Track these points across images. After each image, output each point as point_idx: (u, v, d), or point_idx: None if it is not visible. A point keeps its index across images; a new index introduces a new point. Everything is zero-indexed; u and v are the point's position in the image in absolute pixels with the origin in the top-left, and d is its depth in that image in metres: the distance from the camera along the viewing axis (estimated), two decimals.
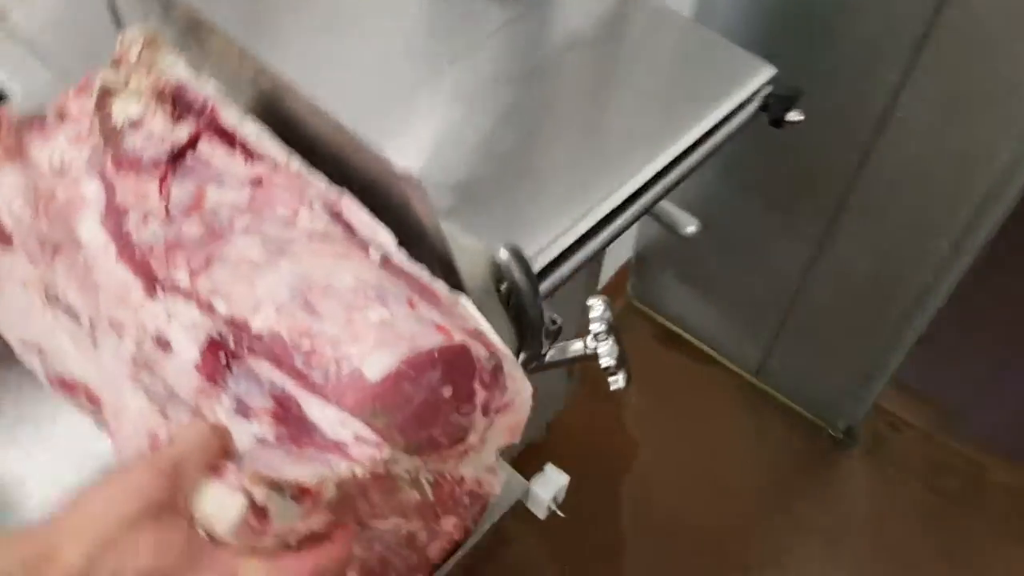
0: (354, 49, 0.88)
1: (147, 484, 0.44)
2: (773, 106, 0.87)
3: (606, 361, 0.73)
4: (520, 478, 0.69)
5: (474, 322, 0.55)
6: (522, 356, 0.71)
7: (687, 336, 1.93)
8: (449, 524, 0.61)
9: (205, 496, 0.46)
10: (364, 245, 0.56)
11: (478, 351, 0.54)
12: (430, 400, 0.51)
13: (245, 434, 0.49)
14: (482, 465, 0.60)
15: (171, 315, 0.52)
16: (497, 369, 0.56)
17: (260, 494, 0.45)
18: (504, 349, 0.56)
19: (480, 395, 0.55)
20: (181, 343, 0.51)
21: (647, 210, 0.83)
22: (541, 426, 1.64)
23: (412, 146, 0.80)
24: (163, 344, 0.51)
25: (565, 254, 0.76)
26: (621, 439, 1.80)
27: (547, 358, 0.74)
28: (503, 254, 0.65)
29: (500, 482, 0.63)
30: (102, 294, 0.53)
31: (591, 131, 0.84)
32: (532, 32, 0.95)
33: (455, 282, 0.57)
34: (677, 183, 0.84)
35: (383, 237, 0.55)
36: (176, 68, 0.57)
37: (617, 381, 0.74)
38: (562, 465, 0.84)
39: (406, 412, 0.50)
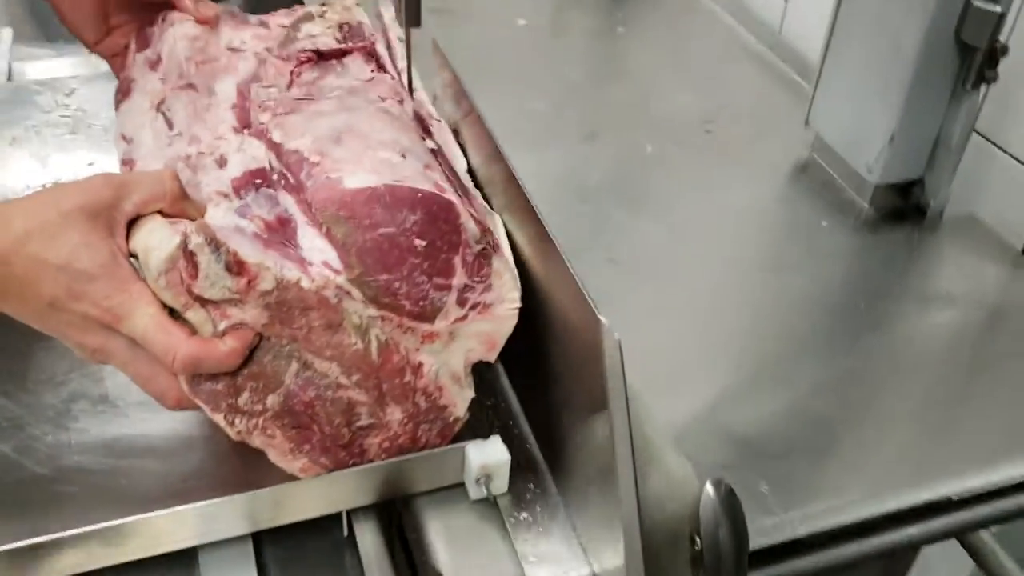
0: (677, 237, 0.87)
1: (94, 188, 0.52)
2: None
3: None
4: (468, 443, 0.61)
5: (492, 223, 0.60)
6: None
7: None
8: (395, 417, 0.58)
9: (147, 229, 0.53)
10: (425, 135, 0.64)
11: (468, 224, 0.55)
12: (397, 239, 0.53)
13: (229, 219, 0.54)
14: (447, 368, 0.58)
15: (242, 148, 0.60)
16: (484, 256, 0.56)
17: (196, 241, 0.50)
18: (505, 252, 0.58)
19: (459, 275, 0.56)
20: (235, 165, 0.59)
21: (960, 532, 0.64)
22: None
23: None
24: (221, 162, 0.59)
25: (814, 543, 0.63)
26: None
27: None
28: (708, 492, 0.50)
29: (465, 402, 0.60)
30: (203, 124, 0.63)
31: (925, 405, 0.73)
32: (876, 268, 0.85)
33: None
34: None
35: (458, 159, 0.67)
36: (362, 16, 0.74)
37: None
38: None
39: (369, 236, 0.53)
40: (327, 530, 0.62)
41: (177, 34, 0.69)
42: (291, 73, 0.67)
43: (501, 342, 0.59)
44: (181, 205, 0.55)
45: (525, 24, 1.18)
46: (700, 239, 0.86)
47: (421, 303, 0.55)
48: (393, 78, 0.69)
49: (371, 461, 0.59)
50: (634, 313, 0.77)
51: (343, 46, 0.70)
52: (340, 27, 0.72)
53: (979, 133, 0.90)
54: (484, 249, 0.56)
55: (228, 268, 0.51)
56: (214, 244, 0.50)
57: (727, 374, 0.73)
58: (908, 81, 0.81)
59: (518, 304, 0.58)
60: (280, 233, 0.54)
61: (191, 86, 0.67)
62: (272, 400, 0.55)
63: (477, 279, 0.56)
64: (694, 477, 0.53)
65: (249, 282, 0.51)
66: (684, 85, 1.08)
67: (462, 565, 0.58)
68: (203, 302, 0.52)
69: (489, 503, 0.61)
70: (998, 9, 0.75)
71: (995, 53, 0.77)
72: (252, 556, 0.61)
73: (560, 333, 0.57)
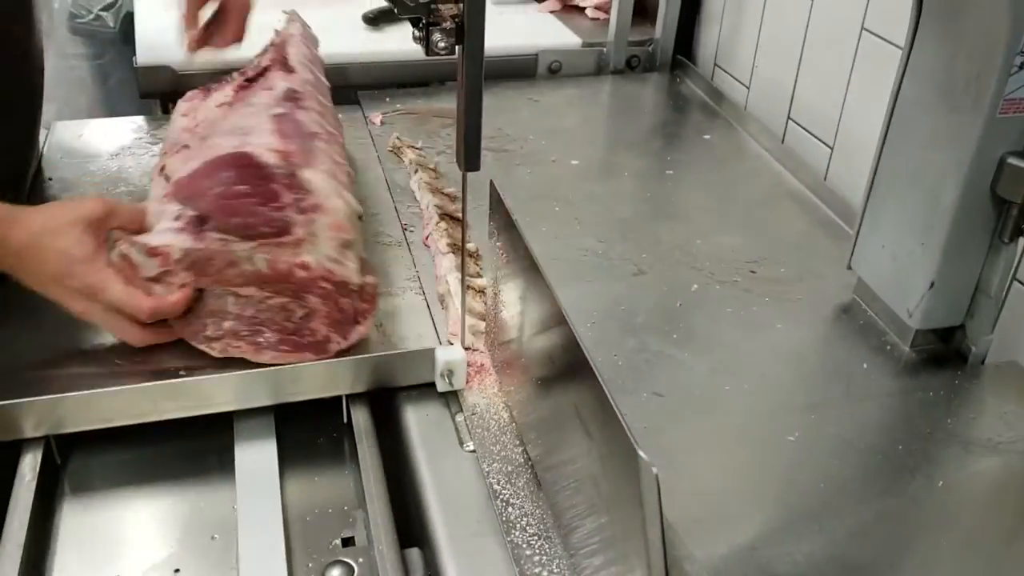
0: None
1: (91, 206, 0.79)
2: None
3: None
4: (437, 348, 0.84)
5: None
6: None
7: None
8: (316, 301, 0.79)
9: (115, 242, 0.79)
10: (290, 103, 0.94)
11: (268, 159, 0.81)
12: (227, 193, 0.78)
13: (163, 226, 0.80)
14: (324, 256, 0.79)
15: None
16: (293, 176, 0.81)
17: (124, 246, 0.77)
18: (320, 166, 0.84)
19: (285, 196, 0.79)
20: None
21: None
22: None
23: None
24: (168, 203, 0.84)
25: None
26: None
27: None
28: None
29: (353, 272, 0.81)
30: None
31: (964, 556, 0.72)
32: (916, 412, 0.86)
33: None
34: None
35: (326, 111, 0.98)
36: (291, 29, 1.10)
37: None
38: None
39: (207, 201, 0.78)
40: (331, 420, 0.85)
41: (175, 118, 0.98)
42: (233, 95, 0.95)
43: (346, 222, 0.81)
44: (146, 223, 0.83)
45: (578, 164, 1.25)
46: (743, 376, 0.88)
47: (274, 224, 0.77)
48: (288, 68, 0.99)
49: (327, 338, 0.80)
50: (676, 447, 0.79)
51: (263, 67, 0.98)
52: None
53: (1021, 283, 0.92)
54: (291, 172, 0.81)
55: (149, 255, 0.76)
56: (135, 244, 0.76)
57: (766, 512, 0.74)
58: (946, 232, 0.84)
59: (340, 199, 0.82)
60: (193, 226, 0.78)
61: (186, 147, 0.90)
62: (228, 325, 0.79)
63: (299, 193, 0.79)
64: None
65: (164, 258, 0.76)
66: (730, 226, 1.12)
67: (427, 439, 0.80)
68: (155, 280, 0.77)
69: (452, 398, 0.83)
70: None
71: None
72: (273, 428, 0.82)
73: (600, 463, 0.59)
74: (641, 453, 0.50)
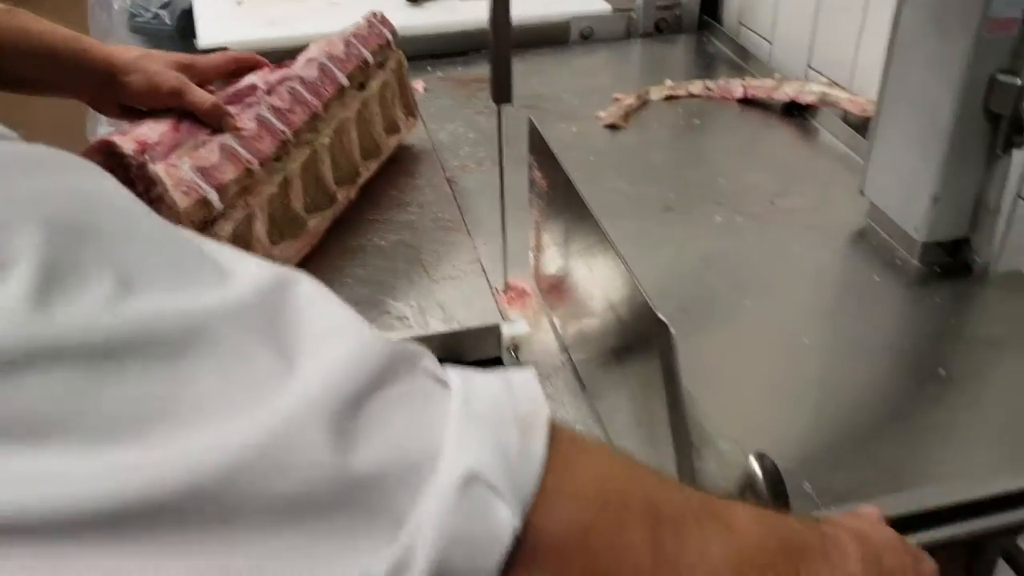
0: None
1: (180, 55, 0.98)
2: None
3: None
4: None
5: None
6: None
7: None
8: None
9: None
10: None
11: (126, 148, 0.86)
12: None
13: None
14: None
15: None
16: (142, 167, 0.85)
17: None
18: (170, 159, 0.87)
19: (139, 186, 0.85)
20: None
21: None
22: None
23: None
24: None
25: None
26: None
27: None
28: (752, 464, 0.59)
29: None
30: None
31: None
32: (924, 314, 0.94)
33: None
34: None
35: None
36: None
37: None
38: None
39: None
40: None
41: None
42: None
43: (185, 217, 0.83)
44: None
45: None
46: (761, 293, 0.96)
47: None
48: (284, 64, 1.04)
49: None
50: (700, 352, 0.87)
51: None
52: None
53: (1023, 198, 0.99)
54: (142, 163, 0.84)
55: None
56: None
57: (784, 402, 0.83)
58: (945, 148, 0.91)
59: (184, 189, 0.84)
60: None
61: None
62: None
63: (147, 184, 0.84)
64: (738, 450, 0.62)
65: None
66: (753, 166, 1.20)
67: None
68: None
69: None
70: (1018, 82, 0.85)
71: (1020, 121, 0.87)
72: None
73: (626, 332, 0.68)
74: (660, 315, 0.59)
